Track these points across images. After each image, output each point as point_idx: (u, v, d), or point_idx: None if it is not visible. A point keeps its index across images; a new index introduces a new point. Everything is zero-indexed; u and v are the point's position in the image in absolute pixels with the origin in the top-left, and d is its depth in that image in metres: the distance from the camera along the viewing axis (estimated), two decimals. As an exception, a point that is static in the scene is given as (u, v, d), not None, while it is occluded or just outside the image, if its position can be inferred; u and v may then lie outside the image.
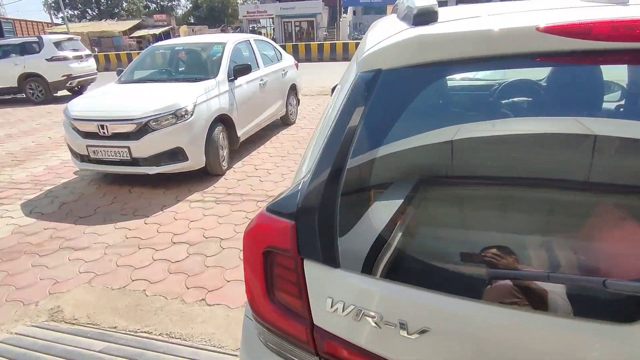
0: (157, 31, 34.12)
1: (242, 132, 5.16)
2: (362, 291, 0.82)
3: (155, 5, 53.89)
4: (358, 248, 0.85)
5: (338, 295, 0.84)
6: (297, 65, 7.35)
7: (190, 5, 51.65)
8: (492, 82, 1.41)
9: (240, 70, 4.99)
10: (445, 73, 0.92)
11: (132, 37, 34.41)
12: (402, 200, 0.90)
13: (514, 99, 1.30)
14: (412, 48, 0.89)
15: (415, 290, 0.78)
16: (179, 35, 31.99)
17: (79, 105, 4.52)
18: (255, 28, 36.21)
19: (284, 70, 6.60)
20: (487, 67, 0.91)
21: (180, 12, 55.54)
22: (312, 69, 14.83)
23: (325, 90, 10.63)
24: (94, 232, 3.54)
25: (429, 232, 0.89)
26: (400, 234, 0.86)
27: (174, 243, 3.30)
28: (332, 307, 0.84)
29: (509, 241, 0.88)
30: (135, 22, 37.70)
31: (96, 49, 27.45)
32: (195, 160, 4.33)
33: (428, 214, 0.91)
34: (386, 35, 1.01)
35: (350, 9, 34.44)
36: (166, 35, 32.21)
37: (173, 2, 55.92)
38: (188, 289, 2.70)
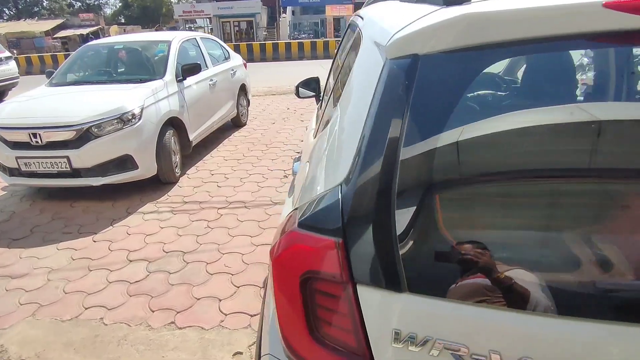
0: (85, 31, 31.87)
1: (194, 136, 4.84)
2: (438, 318, 0.68)
3: (80, 4, 50.32)
4: (418, 265, 0.71)
5: (407, 326, 0.69)
6: (245, 65, 7.10)
7: (120, 3, 48.81)
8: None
9: (189, 69, 4.68)
10: (494, 57, 0.80)
11: (55, 38, 31.87)
12: (458, 205, 0.77)
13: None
14: (458, 29, 0.77)
15: (504, 313, 0.66)
16: (109, 36, 30.08)
17: (5, 112, 3.97)
18: (192, 28, 34.94)
19: (232, 70, 6.32)
20: (539, 49, 0.81)
21: (109, 11, 52.37)
22: (257, 69, 14.48)
23: (272, 90, 10.41)
24: (32, 255, 3.11)
25: (493, 238, 0.76)
26: (466, 245, 0.74)
27: (131, 261, 2.97)
28: (400, 341, 0.69)
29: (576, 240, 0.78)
30: (58, 21, 34.95)
31: (15, 51, 25.03)
32: (146, 168, 3.97)
33: (489, 219, 0.78)
34: (414, 17, 0.88)
35: (289, 9, 34.31)
36: (95, 36, 30.15)
37: (100, 1, 52.60)
38: (153, 312, 2.42)
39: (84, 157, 3.70)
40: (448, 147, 0.76)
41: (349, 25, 2.15)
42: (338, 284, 0.73)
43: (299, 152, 1.69)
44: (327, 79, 2.27)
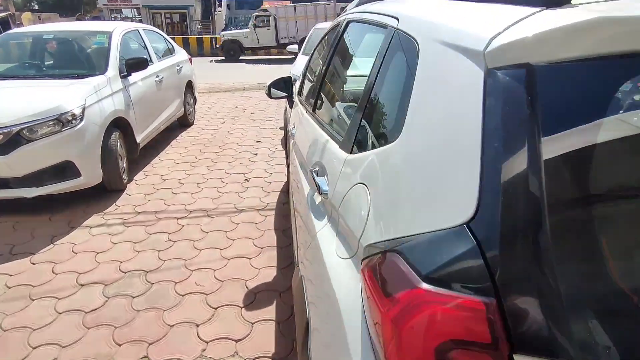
0: (-9, 18, 28.42)
1: (141, 138, 4.39)
2: None
3: (-17, -13, 44.85)
4: (589, 326, 0.57)
5: None
6: (191, 60, 6.67)
7: (33, -12, 44.30)
8: None
9: (134, 64, 4.22)
10: (622, 69, 0.69)
11: (-45, 25, 28.10)
12: (633, 243, 0.65)
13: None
14: (587, 35, 0.66)
15: None
16: (20, 24, 27.10)
17: None
18: (119, 19, 32.63)
19: (179, 66, 5.88)
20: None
21: (19, -4, 47.20)
22: (196, 65, 13.78)
23: (215, 87, 9.95)
24: (-46, 285, 2.60)
25: None
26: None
27: (82, 285, 2.58)
28: None
29: None
30: (-43, 6, 30.86)
31: None
32: (90, 175, 3.51)
33: None
34: (507, 18, 0.74)
35: (224, 2, 33.26)
36: (4, 23, 27.01)
37: (8, -16, 47.25)
38: (120, 345, 2.10)
39: (13, 164, 3.17)
40: (601, 168, 0.63)
41: (346, 24, 1.95)
42: (488, 355, 0.57)
43: (318, 165, 1.48)
44: (321, 83, 2.06)
